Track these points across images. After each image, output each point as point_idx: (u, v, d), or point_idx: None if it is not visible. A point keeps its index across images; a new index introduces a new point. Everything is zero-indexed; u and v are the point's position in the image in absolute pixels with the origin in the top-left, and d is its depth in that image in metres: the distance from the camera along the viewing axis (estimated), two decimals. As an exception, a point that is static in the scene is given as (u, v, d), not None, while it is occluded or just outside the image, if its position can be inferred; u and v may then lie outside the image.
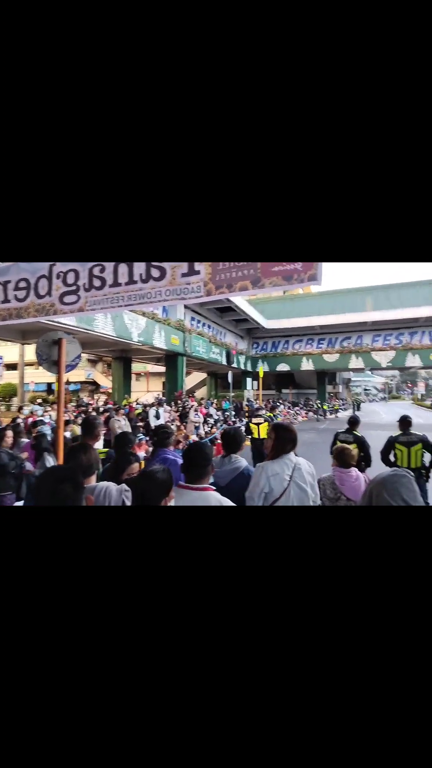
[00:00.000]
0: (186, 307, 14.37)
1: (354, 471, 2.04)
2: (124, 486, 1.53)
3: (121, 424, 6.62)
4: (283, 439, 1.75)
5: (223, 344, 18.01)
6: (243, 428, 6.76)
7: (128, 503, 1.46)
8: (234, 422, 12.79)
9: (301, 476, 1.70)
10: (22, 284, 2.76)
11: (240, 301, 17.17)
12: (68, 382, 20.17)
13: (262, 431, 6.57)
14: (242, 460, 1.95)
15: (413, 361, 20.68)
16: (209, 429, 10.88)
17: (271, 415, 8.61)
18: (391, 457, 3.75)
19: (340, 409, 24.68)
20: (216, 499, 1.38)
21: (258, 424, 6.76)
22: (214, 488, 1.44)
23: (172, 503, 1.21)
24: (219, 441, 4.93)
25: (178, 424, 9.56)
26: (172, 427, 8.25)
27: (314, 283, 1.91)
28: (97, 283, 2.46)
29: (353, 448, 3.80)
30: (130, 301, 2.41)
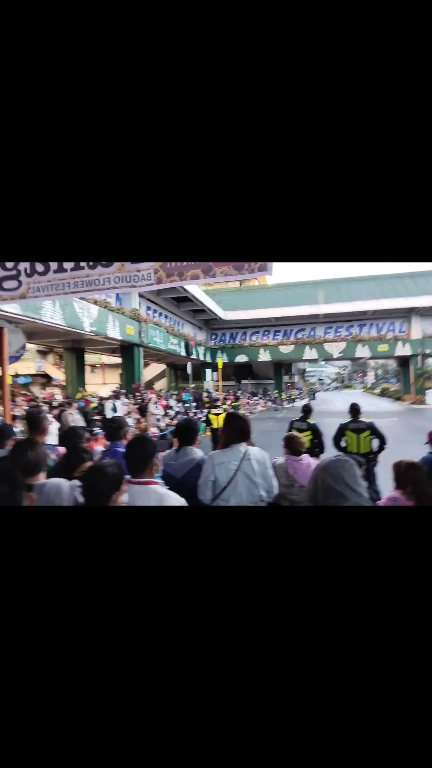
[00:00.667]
0: (141, 296, 14.01)
1: (305, 458, 2.11)
2: (75, 482, 1.46)
3: (75, 418, 6.35)
4: (232, 429, 1.75)
5: (182, 335, 17.85)
6: (203, 419, 6.79)
7: (81, 500, 1.39)
8: (195, 413, 12.79)
9: (250, 466, 1.69)
10: None
11: (197, 291, 17.06)
12: (17, 375, 18.92)
13: (222, 422, 6.63)
14: (197, 452, 1.94)
15: (363, 351, 21.91)
16: (170, 421, 10.79)
17: (237, 404, 8.77)
18: (342, 443, 3.94)
19: (297, 398, 25.60)
20: (157, 493, 1.36)
21: (218, 415, 6.84)
22: (159, 482, 1.41)
23: (124, 498, 1.17)
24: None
25: (138, 416, 9.37)
26: (130, 420, 8.07)
27: (265, 273, 1.92)
28: (40, 268, 2.29)
29: (307, 436, 3.95)
30: (76, 288, 2.28)
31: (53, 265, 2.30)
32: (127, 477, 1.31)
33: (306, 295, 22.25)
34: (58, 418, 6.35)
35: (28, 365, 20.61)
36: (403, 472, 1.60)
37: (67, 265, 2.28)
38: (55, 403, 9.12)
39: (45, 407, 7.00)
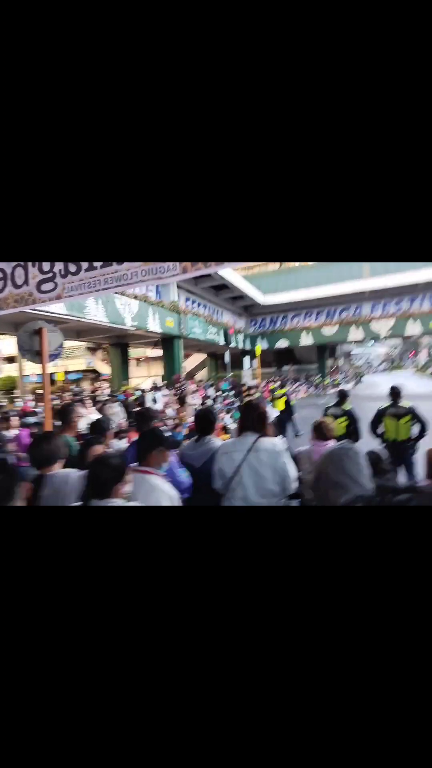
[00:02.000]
0: (179, 287, 14.14)
1: (330, 444, 2.05)
2: (84, 472, 1.55)
3: (116, 411, 6.65)
4: (243, 417, 1.73)
5: (220, 324, 17.83)
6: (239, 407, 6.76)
7: None
8: (233, 402, 12.83)
9: (256, 458, 1.60)
10: (-1, 275, 2.72)
11: (235, 277, 16.86)
12: (68, 372, 20.15)
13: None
14: (216, 441, 1.94)
15: (414, 328, 20.43)
16: (209, 410, 10.88)
17: (283, 391, 8.62)
18: (380, 430, 3.75)
19: (341, 383, 24.66)
20: (149, 483, 1.40)
21: (254, 402, 6.79)
22: (159, 474, 1.46)
23: (128, 488, 1.23)
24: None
25: (178, 407, 9.60)
26: (169, 410, 8.29)
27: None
28: (72, 268, 2.42)
29: (342, 422, 3.80)
30: (107, 285, 2.37)
31: (84, 264, 2.40)
32: (135, 465, 1.37)
33: (350, 271, 21.08)
34: (101, 411, 6.68)
35: (78, 362, 21.82)
36: (437, 459, 1.49)
37: (97, 263, 2.37)
38: (100, 397, 9.61)
39: (90, 401, 7.40)
